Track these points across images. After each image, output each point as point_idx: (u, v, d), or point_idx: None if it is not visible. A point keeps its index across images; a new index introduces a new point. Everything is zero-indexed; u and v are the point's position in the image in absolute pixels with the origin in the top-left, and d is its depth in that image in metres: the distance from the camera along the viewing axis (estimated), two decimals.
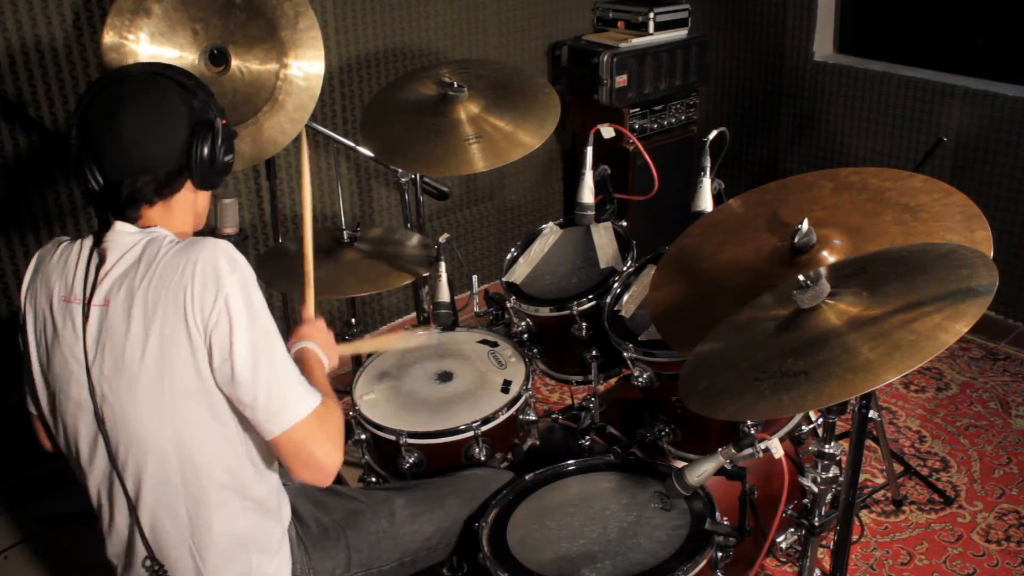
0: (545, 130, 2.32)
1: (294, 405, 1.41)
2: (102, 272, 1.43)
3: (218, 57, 2.28)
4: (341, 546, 1.68)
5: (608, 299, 2.18)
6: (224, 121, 1.49)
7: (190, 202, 1.52)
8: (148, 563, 1.50)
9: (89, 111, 1.43)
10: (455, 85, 2.35)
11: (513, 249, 2.47)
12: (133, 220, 1.46)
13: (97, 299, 1.42)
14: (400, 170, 2.58)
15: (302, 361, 1.58)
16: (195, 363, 1.38)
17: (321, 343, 1.65)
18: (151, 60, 1.60)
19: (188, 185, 1.49)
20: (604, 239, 2.38)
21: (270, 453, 1.52)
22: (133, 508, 1.47)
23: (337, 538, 1.68)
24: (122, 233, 1.45)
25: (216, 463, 1.45)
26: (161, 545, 1.49)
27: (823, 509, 1.70)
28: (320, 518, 1.70)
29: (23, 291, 1.53)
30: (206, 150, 1.45)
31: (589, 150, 2.20)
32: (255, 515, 1.52)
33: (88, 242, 1.48)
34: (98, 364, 1.41)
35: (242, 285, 1.38)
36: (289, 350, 1.58)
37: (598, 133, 2.25)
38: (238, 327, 1.36)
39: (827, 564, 1.78)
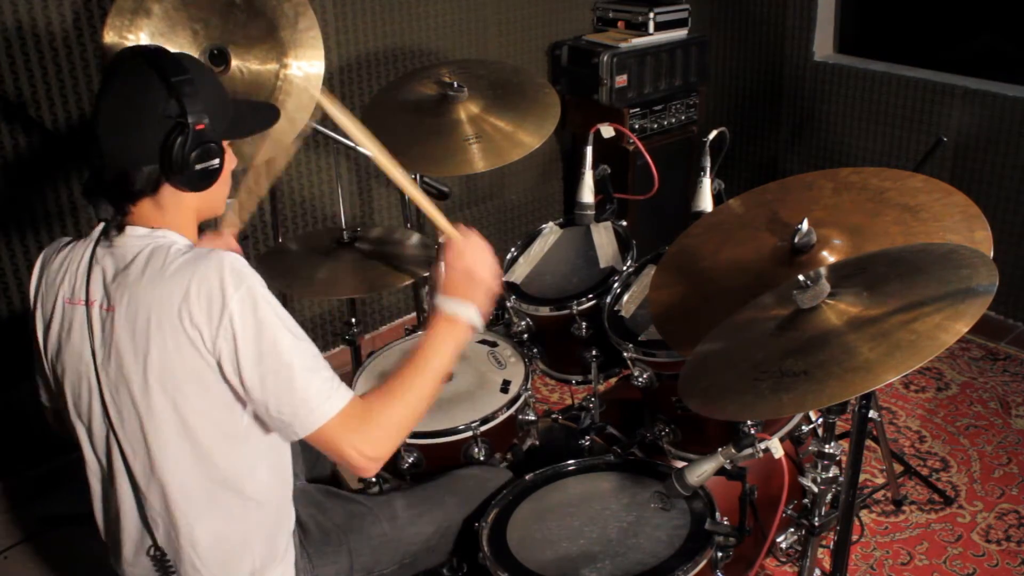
0: (545, 130, 2.33)
1: (305, 415, 1.38)
2: (107, 276, 1.42)
3: (218, 57, 2.28)
4: (343, 551, 1.68)
5: (608, 299, 2.19)
6: (201, 126, 1.38)
7: (181, 201, 1.45)
8: (153, 551, 1.49)
9: (98, 90, 1.42)
10: (455, 85, 2.35)
11: (513, 249, 2.47)
12: (124, 213, 1.43)
13: (103, 303, 1.41)
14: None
15: (434, 329, 1.54)
16: (202, 375, 1.37)
17: (480, 294, 1.59)
18: (156, 45, 1.52)
19: (168, 186, 1.43)
20: (604, 239, 2.38)
21: (280, 459, 1.53)
22: (141, 506, 1.47)
23: (339, 543, 1.68)
24: (131, 237, 1.43)
25: (223, 467, 1.45)
26: (165, 543, 1.49)
27: (823, 509, 1.70)
28: (322, 522, 1.69)
29: (31, 293, 1.52)
30: (177, 154, 1.37)
31: (589, 150, 2.20)
32: (258, 519, 1.52)
33: (92, 243, 1.46)
34: (105, 368, 1.41)
35: (247, 298, 1.35)
36: (433, 300, 1.57)
37: (598, 133, 2.25)
38: (243, 344, 1.34)
39: (827, 564, 1.78)
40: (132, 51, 1.43)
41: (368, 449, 1.41)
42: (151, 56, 1.40)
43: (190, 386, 1.38)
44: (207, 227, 1.79)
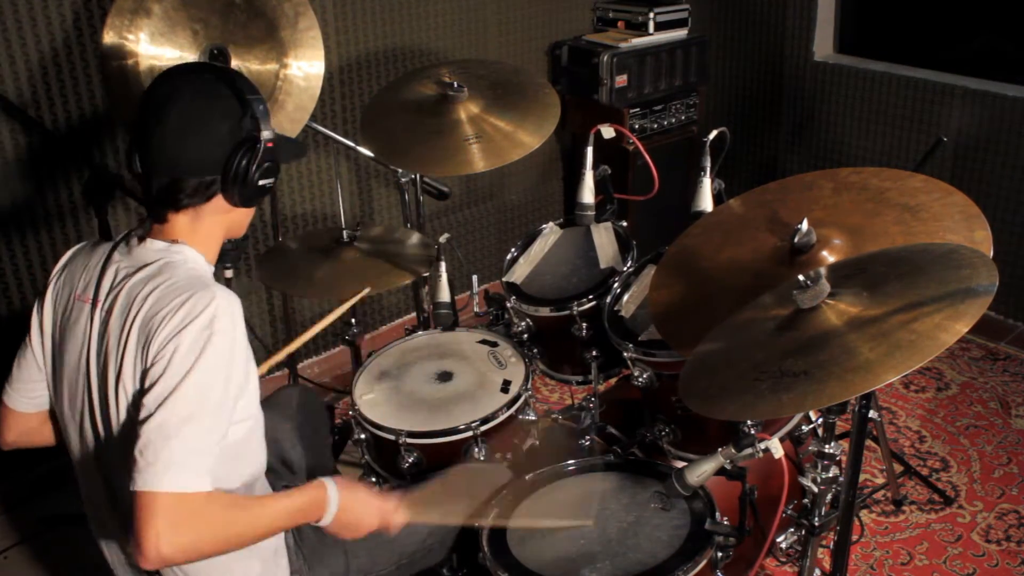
0: (545, 130, 2.33)
1: (160, 474, 1.25)
2: (116, 280, 1.44)
3: (218, 57, 2.28)
4: (339, 552, 1.67)
5: (608, 299, 2.18)
6: (271, 144, 1.44)
7: (221, 218, 1.48)
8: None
9: (148, 98, 1.42)
10: (455, 85, 2.35)
11: (513, 249, 2.47)
12: (161, 220, 1.45)
13: (104, 303, 1.43)
14: (400, 170, 2.58)
15: (300, 490, 1.46)
16: (134, 386, 1.37)
17: (344, 511, 1.49)
18: (225, 67, 1.54)
19: (220, 199, 1.45)
20: (604, 239, 2.38)
21: (255, 461, 1.52)
22: (124, 509, 1.46)
23: (335, 545, 1.67)
24: (147, 250, 1.45)
25: None
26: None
27: (823, 509, 1.70)
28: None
29: (49, 282, 1.54)
30: (243, 168, 1.41)
31: (589, 150, 2.20)
32: None
33: (111, 246, 1.49)
34: (98, 369, 1.42)
35: (200, 346, 1.31)
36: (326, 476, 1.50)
37: (598, 133, 2.25)
38: (165, 378, 1.30)
39: (827, 564, 1.78)
40: (202, 66, 1.48)
41: (168, 546, 1.24)
42: (223, 73, 1.45)
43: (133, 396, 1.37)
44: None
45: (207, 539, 1.29)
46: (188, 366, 1.31)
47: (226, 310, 1.35)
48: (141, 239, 1.47)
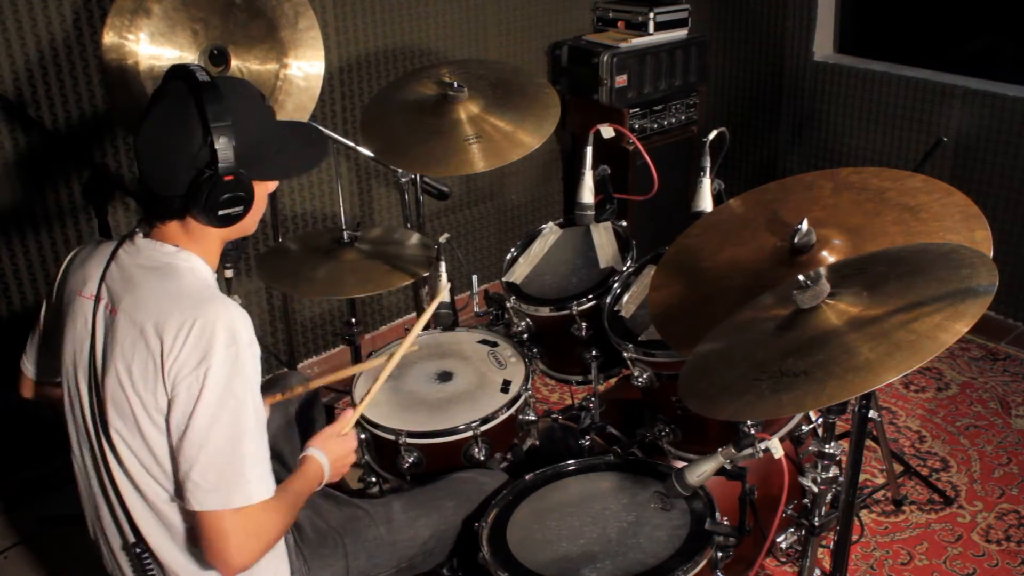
0: (545, 130, 2.32)
1: (225, 492, 1.35)
2: (120, 279, 1.45)
3: (218, 57, 2.28)
4: (339, 554, 1.68)
5: (608, 299, 2.18)
6: (230, 177, 1.40)
7: (208, 230, 1.48)
8: (130, 548, 1.50)
9: (150, 100, 1.46)
10: (455, 85, 2.35)
11: (513, 249, 2.47)
12: (151, 228, 1.48)
13: (109, 301, 1.45)
14: (400, 170, 2.58)
15: (300, 468, 1.58)
16: (156, 402, 1.38)
17: (333, 456, 1.62)
18: (226, 76, 1.53)
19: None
20: (604, 239, 2.38)
21: None
22: (122, 504, 1.48)
23: (335, 546, 1.68)
24: (157, 251, 1.46)
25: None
26: (149, 544, 1.49)
27: (823, 509, 1.70)
28: (318, 525, 1.69)
29: (58, 276, 1.60)
30: (204, 196, 1.40)
31: (589, 150, 2.20)
32: None
33: (116, 244, 1.51)
34: (101, 365, 1.44)
35: (231, 362, 1.36)
36: (304, 448, 1.62)
37: (598, 133, 2.25)
38: (206, 400, 1.35)
39: (827, 564, 1.78)
40: (184, 73, 1.43)
41: (246, 552, 1.38)
42: (198, 89, 1.40)
43: (147, 406, 1.40)
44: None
45: (273, 538, 1.43)
46: (224, 385, 1.35)
47: (243, 322, 1.39)
48: (146, 236, 1.48)
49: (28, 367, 1.72)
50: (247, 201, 1.46)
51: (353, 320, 2.56)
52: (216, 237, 1.50)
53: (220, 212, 1.43)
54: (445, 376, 2.11)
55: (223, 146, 1.39)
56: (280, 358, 3.14)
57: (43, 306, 1.66)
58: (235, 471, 1.36)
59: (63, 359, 1.52)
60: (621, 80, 3.47)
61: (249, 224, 1.53)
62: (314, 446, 1.62)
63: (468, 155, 2.26)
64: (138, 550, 1.48)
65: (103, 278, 1.47)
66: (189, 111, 1.39)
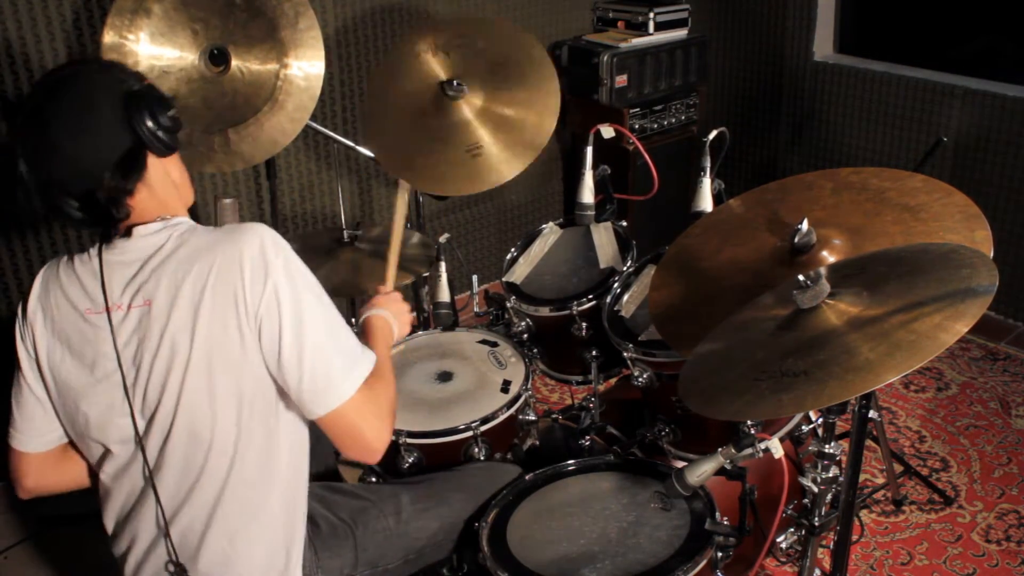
0: (550, 110, 2.20)
1: (338, 385, 1.42)
2: (130, 277, 1.40)
3: (218, 57, 2.28)
4: (349, 545, 1.68)
5: (608, 299, 2.18)
6: (147, 81, 1.43)
7: (163, 174, 1.45)
8: (172, 568, 1.48)
9: (23, 142, 1.36)
10: (455, 84, 2.34)
11: (513, 249, 2.47)
12: (125, 216, 1.41)
13: (133, 302, 1.40)
14: None
15: (368, 329, 1.70)
16: (243, 347, 1.38)
17: (394, 311, 1.75)
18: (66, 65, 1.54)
19: (151, 158, 1.42)
20: (604, 239, 2.38)
21: (300, 449, 1.53)
22: (163, 512, 1.45)
23: (345, 537, 1.68)
24: (144, 236, 1.42)
25: (251, 457, 1.44)
26: (186, 548, 1.47)
27: (823, 509, 1.70)
28: (328, 516, 1.69)
29: (29, 310, 1.46)
30: (147, 119, 1.38)
31: (589, 150, 2.20)
32: (283, 519, 1.51)
33: (97, 254, 1.42)
34: (135, 366, 1.39)
35: (286, 266, 1.39)
36: (360, 316, 1.74)
37: (598, 133, 2.25)
38: (286, 312, 1.37)
39: (827, 564, 1.78)
40: (46, 78, 1.41)
41: (380, 427, 1.48)
42: (68, 67, 1.43)
43: (231, 356, 1.38)
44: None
45: (392, 405, 1.52)
46: (291, 289, 1.38)
47: (271, 232, 1.41)
48: (127, 234, 1.42)
49: (23, 440, 1.51)
50: (174, 101, 1.45)
51: (353, 320, 2.56)
52: (174, 186, 1.48)
53: (167, 114, 1.40)
54: (445, 376, 2.11)
55: (122, 66, 1.44)
56: None
57: (22, 356, 1.48)
58: (336, 363, 1.41)
59: (82, 389, 1.43)
60: (621, 80, 3.47)
61: (187, 184, 1.53)
62: (373, 307, 1.74)
63: (470, 170, 2.18)
64: (179, 569, 1.47)
65: (105, 287, 1.40)
66: (79, 74, 1.39)
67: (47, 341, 1.45)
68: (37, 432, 1.52)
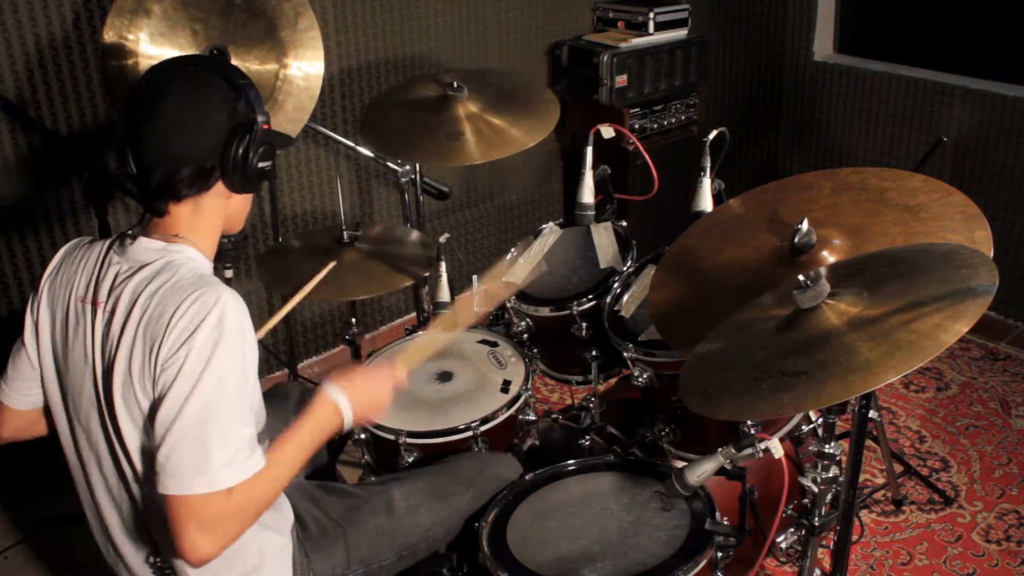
0: (542, 130, 2.32)
1: (189, 478, 1.29)
2: (117, 280, 1.43)
3: (218, 57, 2.28)
4: (340, 545, 1.68)
5: (608, 299, 2.19)
6: (267, 126, 1.47)
7: (220, 205, 1.48)
8: (152, 559, 1.49)
9: (138, 96, 1.43)
10: (455, 85, 2.35)
11: (513, 249, 2.47)
12: (161, 214, 1.44)
13: (107, 304, 1.43)
14: (400, 169, 2.58)
15: (309, 409, 1.49)
16: (144, 390, 1.37)
17: (359, 399, 1.53)
18: (205, 56, 1.55)
19: (219, 186, 1.45)
20: (604, 239, 2.38)
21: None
22: (138, 510, 1.47)
23: (336, 537, 1.68)
24: (145, 249, 1.44)
25: None
26: (160, 548, 1.49)
27: (823, 509, 1.70)
28: (319, 517, 1.69)
29: (43, 281, 1.53)
30: (241, 151, 1.42)
31: (589, 150, 2.20)
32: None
33: (107, 246, 1.48)
34: (105, 371, 1.42)
35: (211, 346, 1.32)
36: (323, 383, 1.54)
37: (598, 133, 2.25)
38: (183, 379, 1.31)
39: (827, 564, 1.78)
40: (188, 58, 1.49)
41: (202, 543, 1.30)
42: (209, 62, 1.47)
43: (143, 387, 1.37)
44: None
45: (240, 527, 1.34)
46: (201, 368, 1.31)
47: (234, 308, 1.36)
48: (135, 238, 1.46)
49: (10, 396, 1.58)
50: (274, 156, 1.49)
51: (353, 320, 2.56)
52: (221, 218, 1.50)
53: (260, 164, 1.45)
54: (445, 376, 2.11)
55: (256, 97, 1.45)
56: (280, 358, 3.14)
57: (27, 320, 1.54)
58: (196, 456, 1.29)
59: (68, 368, 1.48)
60: (621, 80, 3.47)
61: (243, 215, 1.55)
62: (336, 383, 1.52)
63: (465, 144, 2.26)
64: (160, 561, 1.47)
65: (99, 281, 1.44)
66: (211, 77, 1.43)
67: (48, 312, 1.51)
68: (23, 391, 1.57)
